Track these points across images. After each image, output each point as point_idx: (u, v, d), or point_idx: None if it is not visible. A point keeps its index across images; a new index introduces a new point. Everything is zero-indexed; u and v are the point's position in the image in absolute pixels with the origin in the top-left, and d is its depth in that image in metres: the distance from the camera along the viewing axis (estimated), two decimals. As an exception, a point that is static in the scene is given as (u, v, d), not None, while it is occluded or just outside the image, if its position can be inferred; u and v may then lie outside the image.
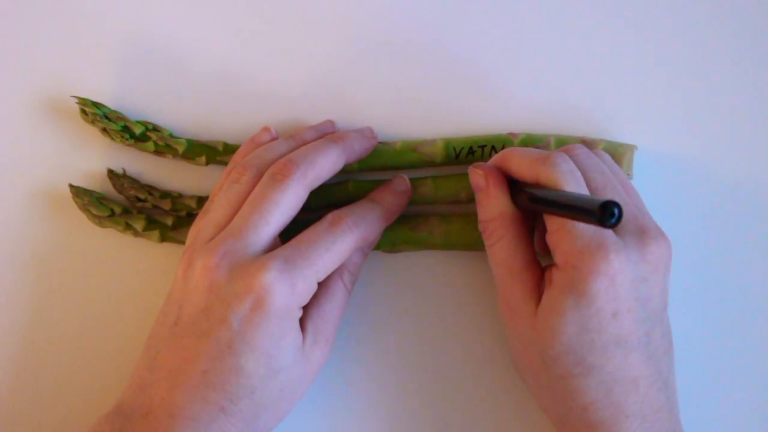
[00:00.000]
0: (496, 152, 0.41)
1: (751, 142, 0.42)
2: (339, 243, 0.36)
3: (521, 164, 0.37)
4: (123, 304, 0.43)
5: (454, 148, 0.42)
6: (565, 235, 0.34)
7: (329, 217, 0.37)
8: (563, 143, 0.41)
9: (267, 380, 0.35)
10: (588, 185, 0.36)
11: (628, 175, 0.41)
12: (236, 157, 0.41)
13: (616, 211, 0.28)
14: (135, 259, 0.43)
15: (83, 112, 0.42)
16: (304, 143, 0.40)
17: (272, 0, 0.44)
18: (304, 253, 0.35)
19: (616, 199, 0.36)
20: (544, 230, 0.39)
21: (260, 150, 0.40)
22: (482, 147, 0.41)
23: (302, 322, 0.37)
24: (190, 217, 0.43)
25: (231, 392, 0.34)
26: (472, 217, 0.41)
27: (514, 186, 0.38)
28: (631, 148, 0.41)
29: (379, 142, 0.42)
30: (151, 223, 0.42)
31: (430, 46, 0.44)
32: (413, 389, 0.42)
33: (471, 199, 0.41)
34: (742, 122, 0.42)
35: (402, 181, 0.41)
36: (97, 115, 0.42)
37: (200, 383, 0.34)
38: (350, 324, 0.42)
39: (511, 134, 0.42)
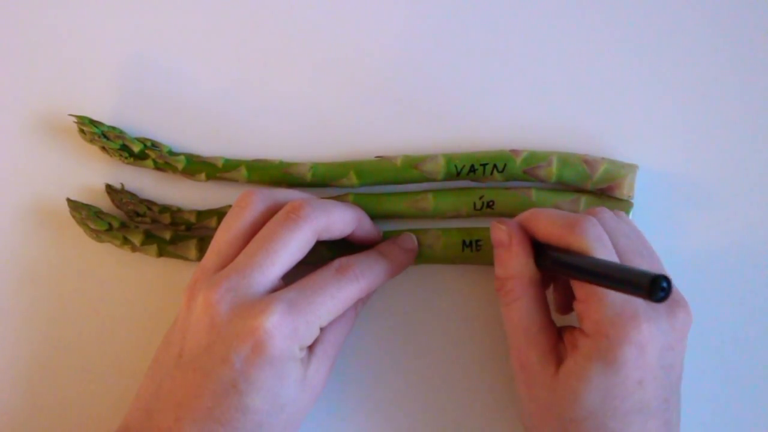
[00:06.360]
0: (498, 171, 0.41)
1: (757, 160, 0.42)
2: (344, 291, 0.36)
3: (549, 228, 0.36)
4: (120, 319, 0.43)
5: (456, 166, 0.41)
6: (596, 303, 0.34)
7: (336, 263, 0.37)
8: (565, 161, 0.41)
9: (273, 415, 0.35)
10: (614, 249, 0.35)
11: (630, 195, 0.41)
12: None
13: (665, 285, 0.27)
14: (132, 274, 0.43)
15: (81, 131, 0.42)
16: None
17: (271, 17, 0.44)
18: (309, 299, 0.35)
19: (644, 264, 0.35)
20: (563, 291, 0.38)
21: (275, 189, 0.39)
22: (484, 165, 0.41)
23: (312, 345, 0.37)
24: (190, 231, 0.42)
25: (238, 428, 0.34)
26: (471, 231, 0.41)
27: (538, 247, 0.37)
28: (633, 169, 0.41)
29: (380, 158, 0.42)
30: (149, 238, 0.42)
31: (433, 61, 0.43)
32: (410, 402, 0.42)
33: (471, 214, 0.42)
34: (747, 140, 0.42)
35: (409, 240, 0.41)
36: (95, 134, 0.41)
37: (207, 418, 0.34)
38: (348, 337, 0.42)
39: (514, 151, 0.41)
